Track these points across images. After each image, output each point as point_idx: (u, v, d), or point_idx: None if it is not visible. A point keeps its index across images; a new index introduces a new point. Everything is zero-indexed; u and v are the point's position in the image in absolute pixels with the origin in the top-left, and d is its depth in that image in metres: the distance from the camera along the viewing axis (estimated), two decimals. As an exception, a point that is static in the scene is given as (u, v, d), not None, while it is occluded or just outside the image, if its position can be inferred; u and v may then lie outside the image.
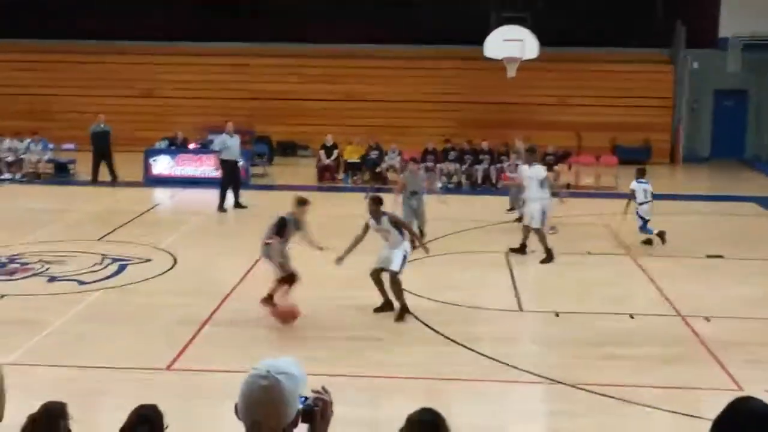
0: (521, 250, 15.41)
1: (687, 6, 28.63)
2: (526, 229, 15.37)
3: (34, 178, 23.13)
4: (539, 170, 15.46)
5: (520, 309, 12.60)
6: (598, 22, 28.90)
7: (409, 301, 12.59)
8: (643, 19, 29.69)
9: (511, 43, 23.39)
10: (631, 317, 12.12)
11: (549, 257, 14.99)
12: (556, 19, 27.87)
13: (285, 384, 2.83)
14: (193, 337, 10.96)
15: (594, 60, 27.64)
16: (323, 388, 3.08)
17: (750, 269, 14.96)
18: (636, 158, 26.40)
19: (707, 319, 12.01)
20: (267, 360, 2.95)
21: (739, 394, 2.96)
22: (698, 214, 20.20)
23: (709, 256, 15.68)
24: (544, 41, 23.63)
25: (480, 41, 23.79)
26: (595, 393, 9.48)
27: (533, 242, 15.34)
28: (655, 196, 22.24)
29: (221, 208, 19.16)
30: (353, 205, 18.01)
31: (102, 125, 22.58)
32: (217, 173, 20.49)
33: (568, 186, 22.62)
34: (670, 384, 9.85)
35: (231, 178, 19.58)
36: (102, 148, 22.33)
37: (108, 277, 13.69)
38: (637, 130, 27.07)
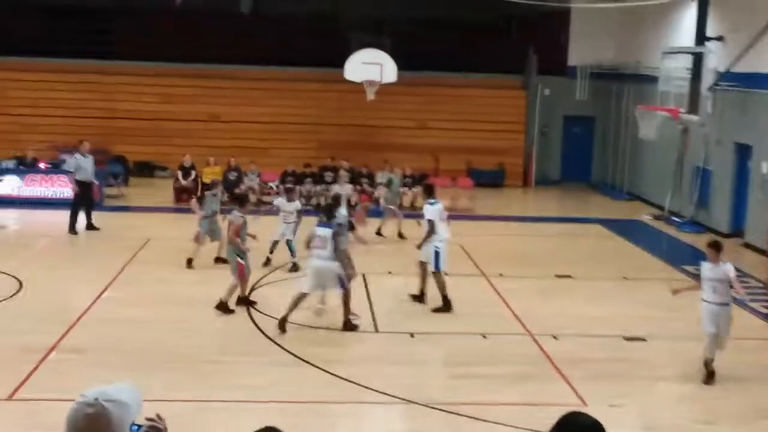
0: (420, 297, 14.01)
1: (539, 35, 29.79)
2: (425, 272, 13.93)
3: None
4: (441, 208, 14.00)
5: (376, 330, 12.71)
6: (456, 47, 29.69)
7: (263, 322, 12.54)
8: (497, 47, 30.71)
9: (370, 66, 23.71)
10: (484, 337, 12.43)
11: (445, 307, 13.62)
12: (414, 44, 28.45)
13: (113, 412, 2.76)
14: (38, 365, 10.53)
15: (451, 84, 28.32)
16: (158, 415, 3.02)
17: (596, 289, 15.61)
18: (491, 181, 27.21)
19: (555, 337, 12.46)
20: (99, 386, 2.86)
21: (584, 409, 3.12)
22: (548, 235, 20.94)
23: (558, 276, 16.29)
24: (402, 65, 24.06)
25: (341, 64, 24.00)
26: (449, 412, 9.67)
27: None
28: (509, 218, 23.02)
29: (72, 230, 18.53)
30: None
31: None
32: (69, 194, 19.82)
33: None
34: (520, 401, 10.16)
35: (83, 200, 19.01)
36: None
37: (-53, 303, 12.99)
38: (492, 153, 27.86)
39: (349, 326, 12.53)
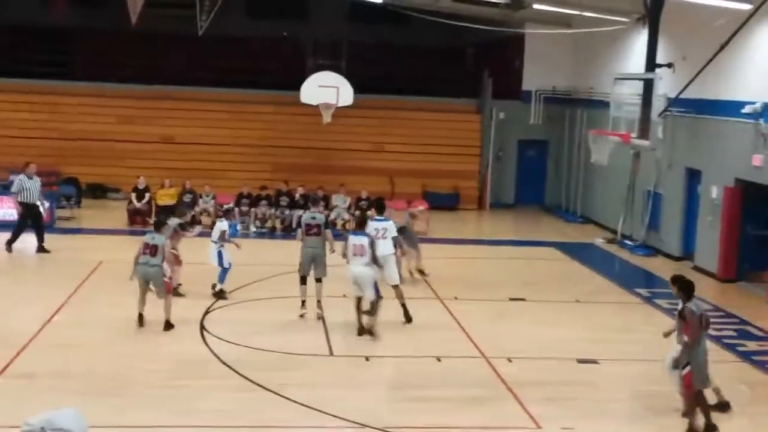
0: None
1: (494, 60, 30.13)
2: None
3: None
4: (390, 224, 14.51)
5: (331, 353, 12.67)
6: (411, 71, 29.91)
7: (218, 347, 12.46)
8: (453, 71, 30.98)
9: (326, 89, 23.77)
10: (438, 360, 12.45)
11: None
12: (370, 67, 28.63)
13: (59, 441, 2.74)
14: (-14, 390, 10.32)
15: (406, 108, 28.48)
16: None
17: (549, 311, 15.72)
18: (445, 204, 27.35)
19: (509, 359, 12.52)
20: (44, 413, 2.83)
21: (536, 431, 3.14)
22: (503, 258, 21.07)
23: (511, 299, 16.39)
24: (359, 88, 24.16)
25: (297, 87, 24.03)
26: (402, 436, 9.66)
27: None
28: (464, 241, 23.13)
29: (8, 247, 18.34)
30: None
31: None
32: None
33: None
34: (474, 424, 10.18)
35: (30, 221, 18.80)
36: None
37: None
38: (447, 176, 28.03)
39: (372, 332, 13.21)
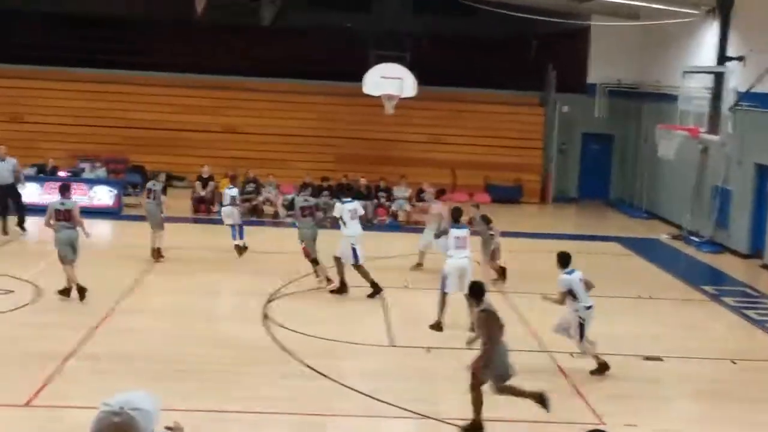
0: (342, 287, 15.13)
1: (558, 53, 29.79)
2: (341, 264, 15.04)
3: None
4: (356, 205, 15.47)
5: (392, 344, 12.69)
6: (475, 63, 29.73)
7: (280, 335, 12.56)
8: (517, 63, 30.72)
9: (389, 80, 23.76)
10: (499, 352, 12.36)
11: (341, 289, 15.04)
12: (434, 59, 28.53)
13: (138, 420, 2.78)
14: (56, 372, 10.57)
15: (469, 100, 28.34)
16: (176, 423, 3.04)
17: (614, 307, 15.49)
18: (508, 197, 27.18)
19: (572, 354, 12.38)
20: (119, 395, 2.87)
21: (602, 428, 3.11)
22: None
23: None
24: (422, 80, 24.11)
25: (359, 78, 24.07)
26: (460, 427, 9.63)
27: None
28: (526, 235, 22.97)
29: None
30: (228, 238, 17.78)
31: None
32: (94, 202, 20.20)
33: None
34: (535, 418, 10.09)
35: (9, 202, 19.36)
36: None
37: (-34, 309, 13.07)
38: (509, 169, 27.84)
39: (438, 327, 13.23)
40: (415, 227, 22.34)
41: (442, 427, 9.71)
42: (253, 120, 27.71)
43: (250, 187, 23.27)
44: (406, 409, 10.05)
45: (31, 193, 22.00)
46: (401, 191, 23.86)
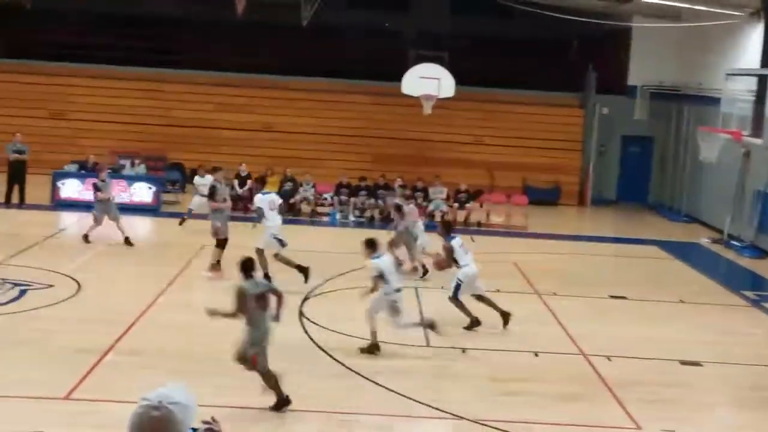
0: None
1: (598, 54, 29.55)
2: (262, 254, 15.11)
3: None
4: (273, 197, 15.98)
5: (427, 344, 12.66)
6: (514, 64, 29.57)
7: (315, 333, 12.59)
8: (555, 64, 30.51)
9: (428, 80, 23.71)
10: (535, 355, 12.31)
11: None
12: (473, 60, 28.42)
13: (177, 414, 2.78)
14: (94, 366, 10.68)
15: (508, 101, 28.22)
16: (212, 418, 3.04)
17: (651, 311, 15.37)
18: (546, 199, 27.00)
19: (609, 358, 12.27)
20: (158, 389, 2.88)
21: None
22: (603, 255, 20.69)
23: (612, 297, 16.07)
24: (460, 80, 24.03)
25: (398, 78, 24.05)
26: (496, 429, 9.58)
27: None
28: (564, 237, 22.82)
29: None
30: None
31: (18, 145, 22.02)
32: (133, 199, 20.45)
33: (479, 224, 22.96)
34: (570, 421, 10.03)
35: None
36: (18, 169, 21.74)
37: (7, 303, 13.25)
38: (548, 171, 27.67)
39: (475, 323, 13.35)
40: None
41: (476, 428, 9.66)
42: (291, 119, 27.81)
43: (288, 185, 23.35)
44: (441, 410, 10.01)
45: (71, 189, 22.31)
46: (437, 191, 23.80)
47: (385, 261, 11.98)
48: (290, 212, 22.31)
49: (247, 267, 9.90)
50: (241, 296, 9.53)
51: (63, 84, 27.81)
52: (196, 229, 20.35)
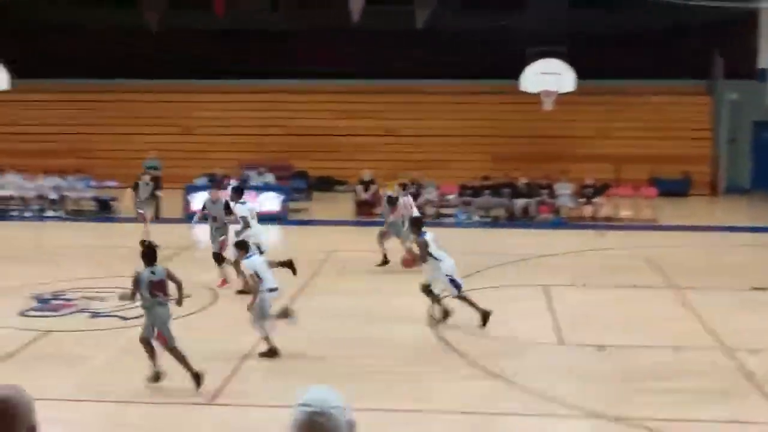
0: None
1: (724, 37, 28.51)
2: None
3: (77, 215, 23.44)
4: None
5: (561, 342, 12.47)
6: (635, 54, 28.86)
7: (446, 334, 12.59)
8: (678, 52, 29.61)
9: (547, 76, 23.42)
10: (675, 350, 11.95)
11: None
12: (592, 52, 27.88)
13: (338, 418, 2.82)
14: (235, 372, 10.98)
15: (631, 92, 27.57)
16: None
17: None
18: (675, 190, 26.23)
19: (753, 351, 11.80)
20: (310, 394, 2.90)
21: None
22: (740, 246, 19.93)
23: (754, 288, 15.44)
24: (580, 74, 23.62)
25: (516, 75, 23.83)
26: (638, 428, 9.35)
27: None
28: (696, 228, 22.08)
29: None
30: (391, 240, 17.96)
31: (152, 161, 22.96)
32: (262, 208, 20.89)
33: (608, 219, 22.52)
34: (716, 419, 9.69)
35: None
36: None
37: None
38: (676, 162, 26.89)
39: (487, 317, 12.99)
40: (578, 224, 22.00)
41: (617, 427, 9.45)
42: (412, 122, 27.97)
43: (411, 189, 23.42)
44: (580, 409, 9.84)
45: (202, 202, 22.99)
46: (563, 187, 23.45)
47: (256, 260, 11.88)
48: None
49: (147, 255, 10.70)
50: (136, 283, 10.42)
51: (191, 101, 28.82)
52: (324, 236, 20.71)
